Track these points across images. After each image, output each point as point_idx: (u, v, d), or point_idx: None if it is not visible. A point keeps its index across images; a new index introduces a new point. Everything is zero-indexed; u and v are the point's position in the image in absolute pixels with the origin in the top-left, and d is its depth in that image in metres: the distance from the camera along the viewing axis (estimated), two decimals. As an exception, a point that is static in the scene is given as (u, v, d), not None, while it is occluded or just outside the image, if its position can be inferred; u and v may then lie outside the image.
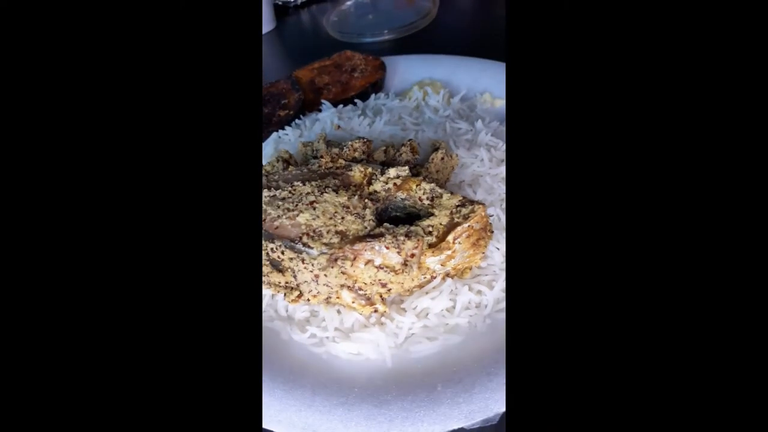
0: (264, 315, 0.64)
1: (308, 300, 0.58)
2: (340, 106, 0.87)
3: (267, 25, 1.48)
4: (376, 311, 0.57)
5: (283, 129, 0.84)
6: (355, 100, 0.91)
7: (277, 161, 0.71)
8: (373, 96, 0.93)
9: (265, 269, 0.59)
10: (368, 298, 0.57)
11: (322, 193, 0.56)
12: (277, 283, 0.59)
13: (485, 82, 0.96)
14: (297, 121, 0.86)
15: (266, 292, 0.63)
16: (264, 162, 0.72)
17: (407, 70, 1.04)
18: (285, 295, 0.59)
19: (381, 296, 0.57)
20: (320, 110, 0.91)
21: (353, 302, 0.56)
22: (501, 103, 0.93)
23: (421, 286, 0.58)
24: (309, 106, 0.95)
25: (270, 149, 0.78)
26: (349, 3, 1.52)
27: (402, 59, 1.07)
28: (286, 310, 0.63)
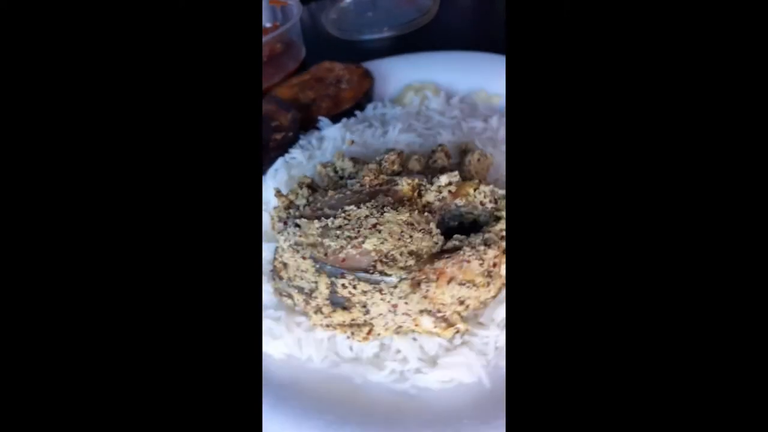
0: (326, 361, 0.57)
1: (379, 334, 0.53)
2: (344, 119, 0.82)
3: (265, 22, 1.39)
4: (458, 331, 0.52)
5: (287, 152, 0.77)
6: (356, 112, 0.86)
7: (300, 188, 0.64)
8: (370, 106, 0.89)
9: (327, 309, 0.52)
10: (446, 320, 0.52)
11: (382, 214, 0.51)
12: (341, 323, 0.52)
13: (476, 79, 0.94)
14: (300, 142, 0.79)
15: (322, 335, 0.57)
16: (284, 191, 0.65)
17: (392, 74, 1.00)
18: (352, 334, 0.53)
19: (459, 314, 0.53)
20: (318, 128, 0.84)
21: (434, 327, 0.51)
22: (498, 100, 0.91)
23: (495, 296, 0.55)
24: (301, 125, 0.88)
25: (283, 175, 0.71)
26: (348, 0, 1.46)
27: (384, 63, 1.03)
28: (351, 350, 0.56)
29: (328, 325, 0.54)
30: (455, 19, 1.32)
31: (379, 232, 0.50)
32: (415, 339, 0.54)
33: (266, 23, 1.26)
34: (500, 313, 0.54)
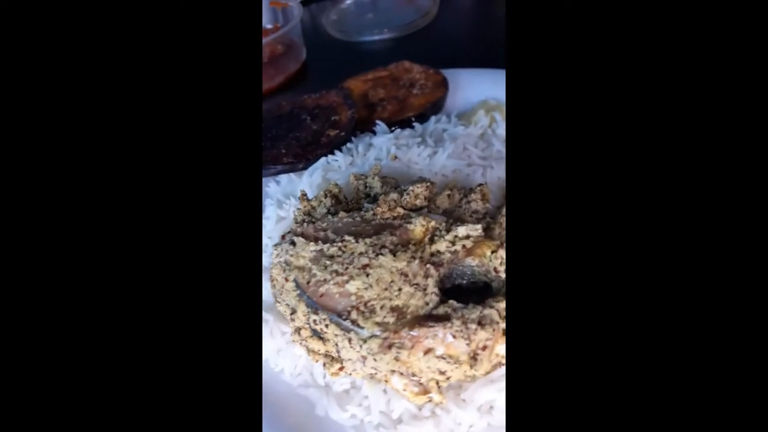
0: (298, 379, 0.56)
1: (350, 374, 0.50)
2: (397, 130, 0.77)
3: (265, 24, 1.43)
4: (430, 400, 0.47)
5: (332, 153, 0.75)
6: (415, 124, 0.81)
7: (325, 196, 0.62)
8: (433, 119, 0.83)
9: (305, 333, 0.51)
10: (422, 385, 0.47)
11: (377, 255, 0.47)
12: (316, 350, 0.50)
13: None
14: (348, 144, 0.77)
15: (302, 352, 0.55)
16: (310, 194, 0.64)
17: (469, 87, 0.93)
18: (325, 365, 0.51)
19: (437, 383, 0.47)
20: (374, 132, 0.81)
21: (404, 389, 0.47)
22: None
23: (486, 373, 0.48)
24: (361, 124, 0.85)
25: (318, 177, 0.70)
26: (348, 2, 1.48)
27: (464, 73, 0.96)
28: (324, 377, 0.55)
29: (305, 348, 0.52)
30: (454, 21, 1.29)
31: (367, 275, 0.46)
32: (385, 391, 0.50)
33: (267, 24, 1.27)
34: (486, 394, 0.48)
